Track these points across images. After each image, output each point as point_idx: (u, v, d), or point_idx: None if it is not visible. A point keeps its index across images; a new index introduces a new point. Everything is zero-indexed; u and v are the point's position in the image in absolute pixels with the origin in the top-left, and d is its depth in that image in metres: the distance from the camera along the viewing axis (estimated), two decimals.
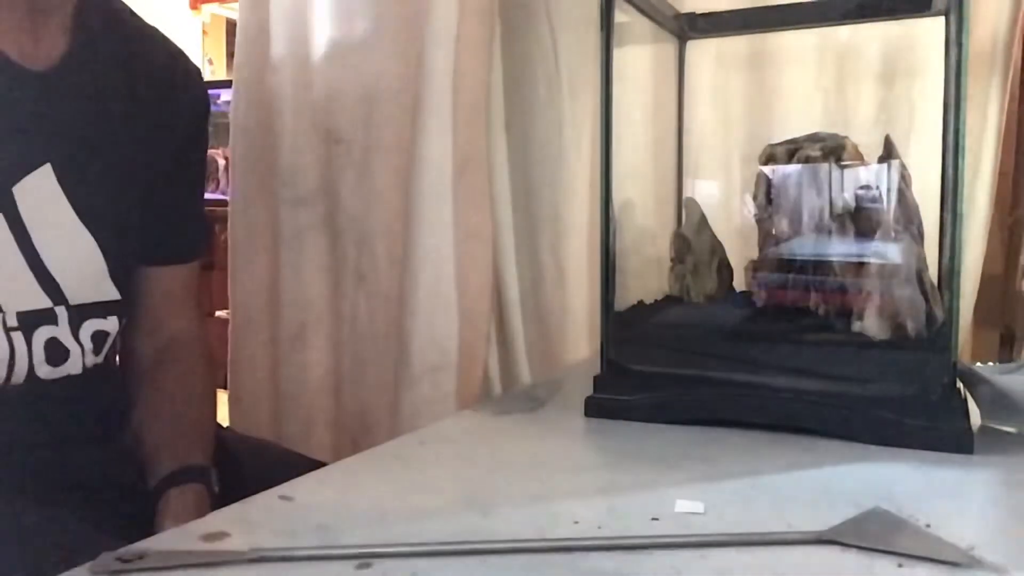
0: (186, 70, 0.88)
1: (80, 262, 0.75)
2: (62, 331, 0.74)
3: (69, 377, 0.76)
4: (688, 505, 0.55)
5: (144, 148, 0.81)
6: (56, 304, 0.74)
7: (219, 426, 0.92)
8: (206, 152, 0.93)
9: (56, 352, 0.74)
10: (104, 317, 0.78)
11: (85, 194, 0.75)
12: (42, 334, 0.73)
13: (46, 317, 0.73)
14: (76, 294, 0.75)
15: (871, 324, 0.73)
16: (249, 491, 0.59)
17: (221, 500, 0.69)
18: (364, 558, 0.46)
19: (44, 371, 0.74)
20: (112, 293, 0.78)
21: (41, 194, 0.72)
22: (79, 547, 0.57)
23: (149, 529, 0.67)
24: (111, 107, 0.78)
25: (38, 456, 0.73)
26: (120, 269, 0.79)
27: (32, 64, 0.72)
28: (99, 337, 0.78)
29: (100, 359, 0.79)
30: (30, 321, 0.72)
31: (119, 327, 0.80)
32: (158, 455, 0.75)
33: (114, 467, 0.77)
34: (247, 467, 0.84)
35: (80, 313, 0.75)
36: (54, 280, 0.73)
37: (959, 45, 0.67)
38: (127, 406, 0.83)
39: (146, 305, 0.85)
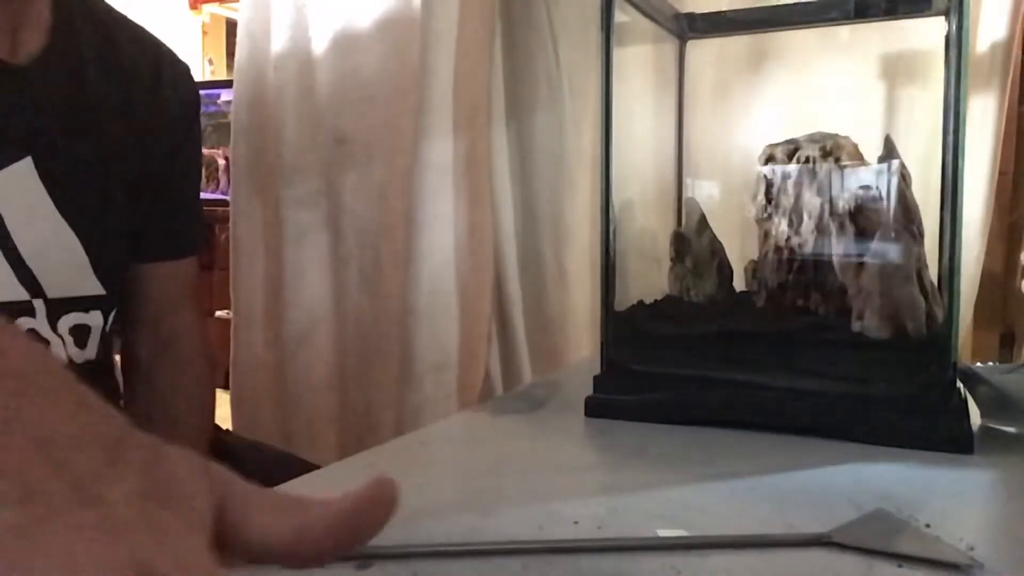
0: (173, 65, 0.87)
1: (60, 256, 0.75)
2: (40, 324, 0.74)
3: None
4: (671, 532, 0.53)
5: (131, 144, 0.80)
6: (34, 297, 0.73)
7: (217, 428, 0.92)
8: (199, 147, 0.92)
9: None
10: (86, 311, 0.77)
11: (67, 189, 0.74)
12: (20, 326, 0.73)
13: (23, 309, 0.73)
14: (55, 288, 0.74)
15: (871, 324, 0.73)
16: None
17: None
18: (364, 558, 0.46)
19: None
20: (95, 288, 0.78)
21: (20, 187, 0.72)
22: None
23: None
24: (95, 102, 0.77)
25: None
26: (105, 264, 0.78)
27: (11, 59, 0.72)
28: (80, 331, 0.77)
29: (91, 355, 0.78)
30: (9, 313, 0.72)
31: (105, 322, 0.79)
32: None
33: None
34: (246, 470, 0.84)
35: (59, 306, 0.75)
36: (32, 273, 0.73)
37: (959, 45, 0.67)
38: (123, 406, 0.83)
39: (142, 302, 0.85)
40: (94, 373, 0.81)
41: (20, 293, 0.72)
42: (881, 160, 0.76)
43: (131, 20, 0.85)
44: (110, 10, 0.83)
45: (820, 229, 0.77)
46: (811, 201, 0.78)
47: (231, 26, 3.48)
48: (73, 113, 0.76)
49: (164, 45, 0.88)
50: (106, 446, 0.29)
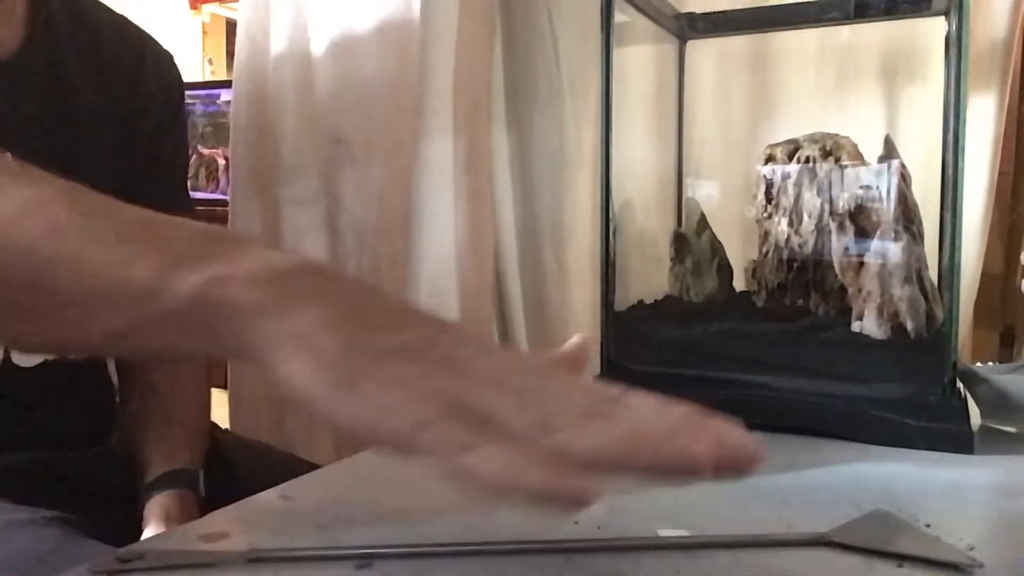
0: (155, 55, 0.86)
1: None
2: None
3: (47, 364, 0.75)
4: (671, 532, 0.53)
5: (113, 138, 0.79)
6: None
7: (216, 428, 0.92)
8: (185, 135, 0.92)
9: None
10: None
11: None
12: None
13: None
14: None
15: (871, 324, 0.73)
16: (245, 494, 0.59)
17: (217, 503, 0.69)
18: (364, 558, 0.46)
19: (18, 356, 0.73)
20: None
21: None
22: (60, 549, 0.56)
23: (135, 533, 0.67)
24: (76, 96, 0.77)
25: (22, 455, 0.72)
26: None
27: None
28: None
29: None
30: None
31: None
32: (147, 456, 0.74)
33: (101, 467, 0.76)
34: (243, 470, 0.84)
35: None
36: None
37: (959, 45, 0.67)
38: (117, 403, 0.82)
39: None
40: (86, 370, 0.80)
41: None
42: (881, 160, 0.76)
43: (116, 13, 0.84)
44: (94, 5, 0.82)
45: (820, 229, 0.77)
46: (811, 201, 0.78)
47: (231, 26, 3.47)
48: (52, 108, 0.75)
49: (149, 37, 0.86)
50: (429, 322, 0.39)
